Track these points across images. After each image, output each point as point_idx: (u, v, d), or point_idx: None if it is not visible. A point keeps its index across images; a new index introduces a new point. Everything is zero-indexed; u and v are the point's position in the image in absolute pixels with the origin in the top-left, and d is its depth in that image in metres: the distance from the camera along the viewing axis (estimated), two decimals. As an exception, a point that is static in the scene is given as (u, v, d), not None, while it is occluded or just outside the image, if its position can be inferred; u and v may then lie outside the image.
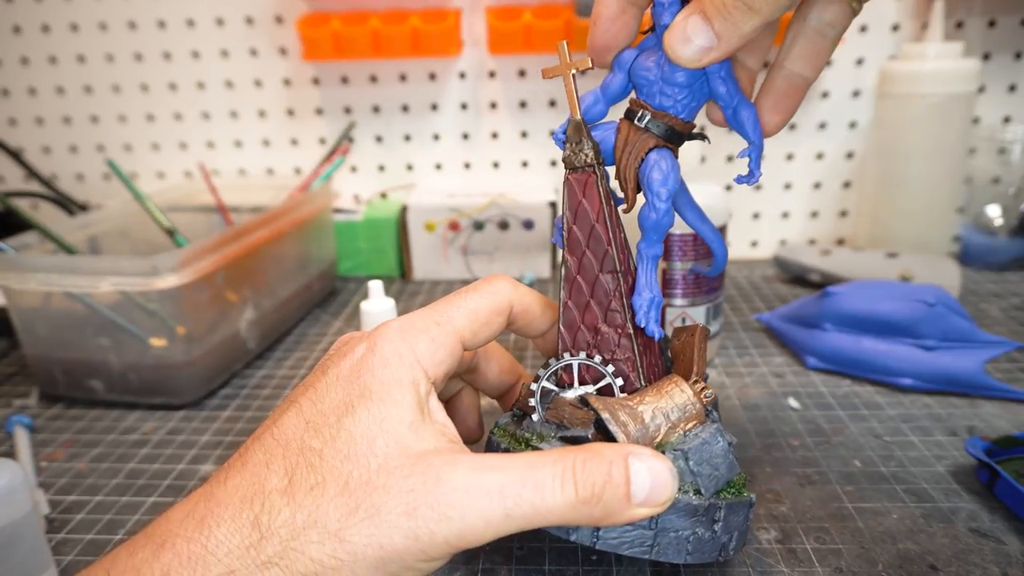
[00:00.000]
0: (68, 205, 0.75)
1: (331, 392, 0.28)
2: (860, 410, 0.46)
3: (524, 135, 0.76)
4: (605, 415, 0.29)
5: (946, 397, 0.47)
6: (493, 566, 0.34)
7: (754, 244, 0.78)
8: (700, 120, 0.32)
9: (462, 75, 0.74)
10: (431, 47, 0.69)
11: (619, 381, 0.32)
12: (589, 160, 0.31)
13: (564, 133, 0.32)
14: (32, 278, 0.48)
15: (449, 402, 0.38)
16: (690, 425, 0.30)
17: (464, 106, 0.76)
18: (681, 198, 0.35)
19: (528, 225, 0.70)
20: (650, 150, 0.31)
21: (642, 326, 0.32)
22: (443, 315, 0.31)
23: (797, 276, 0.68)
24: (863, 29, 0.70)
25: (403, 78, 0.75)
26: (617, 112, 0.32)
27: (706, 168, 0.72)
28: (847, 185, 0.75)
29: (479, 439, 0.38)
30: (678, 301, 0.50)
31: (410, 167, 0.79)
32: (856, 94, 0.72)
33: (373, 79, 0.75)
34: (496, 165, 0.78)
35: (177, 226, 0.59)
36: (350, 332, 0.33)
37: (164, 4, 0.74)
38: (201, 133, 0.79)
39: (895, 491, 0.38)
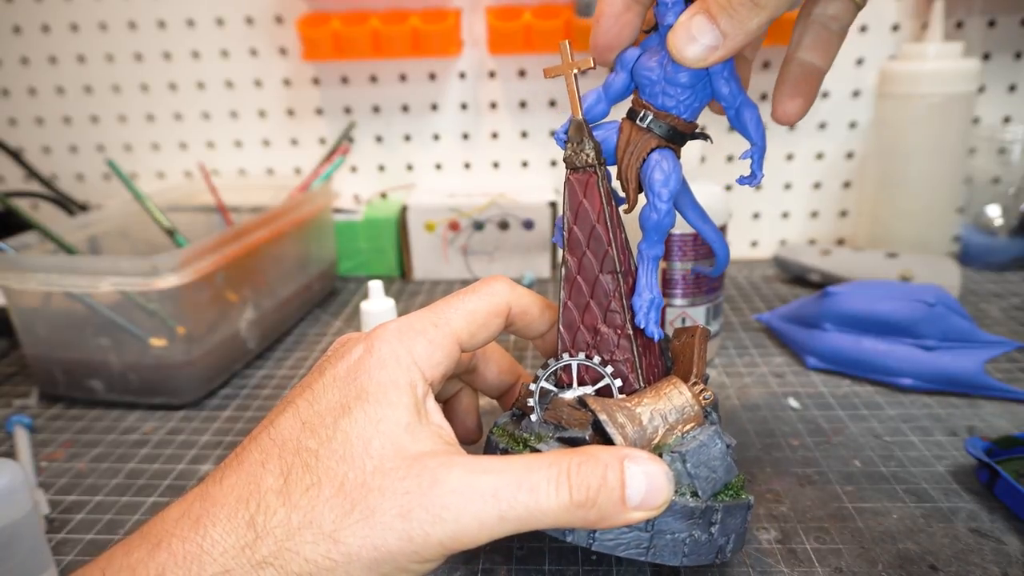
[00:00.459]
0: (68, 205, 0.75)
1: (328, 393, 0.28)
2: (860, 410, 0.46)
3: (524, 135, 0.76)
4: (603, 417, 0.29)
5: (946, 397, 0.47)
6: (493, 566, 0.34)
7: (754, 244, 0.78)
8: (702, 119, 0.32)
9: (462, 75, 0.74)
10: (431, 47, 0.69)
11: (618, 382, 0.32)
12: (590, 160, 0.31)
13: (565, 133, 0.32)
14: (32, 278, 0.48)
15: (447, 403, 0.38)
16: (688, 427, 0.30)
17: (464, 106, 0.76)
18: (683, 198, 0.34)
19: (528, 225, 0.70)
20: (652, 150, 0.31)
21: (642, 327, 0.32)
22: (441, 317, 0.31)
23: (797, 276, 0.68)
24: (863, 29, 0.70)
25: (403, 78, 0.75)
26: (619, 111, 0.32)
27: (706, 168, 0.72)
28: (847, 185, 0.75)
29: (477, 440, 0.38)
30: (678, 301, 0.50)
31: (410, 167, 0.79)
32: (856, 94, 0.72)
33: (373, 79, 0.75)
34: (496, 165, 0.78)
35: (177, 226, 0.59)
36: (349, 332, 0.33)
37: (164, 4, 0.74)
38: (201, 133, 0.79)
39: (895, 491, 0.38)
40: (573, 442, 0.30)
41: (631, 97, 0.32)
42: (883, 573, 0.32)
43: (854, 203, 0.75)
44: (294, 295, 0.63)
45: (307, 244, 0.66)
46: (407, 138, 0.77)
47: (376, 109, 0.76)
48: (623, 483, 0.25)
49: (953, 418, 0.45)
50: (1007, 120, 0.72)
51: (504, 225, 0.71)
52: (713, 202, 0.48)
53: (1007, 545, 0.34)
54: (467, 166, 0.78)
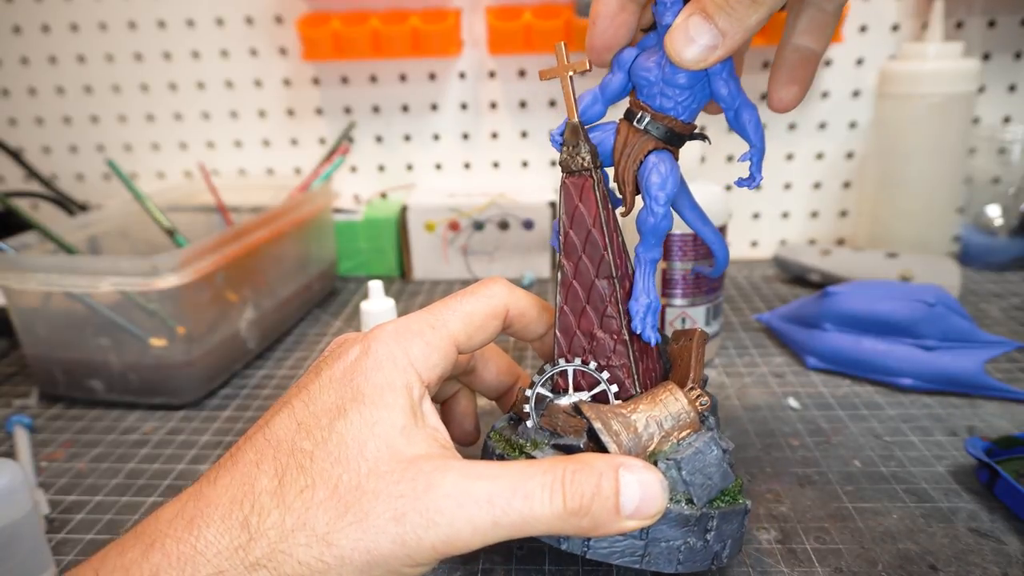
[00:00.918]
0: (68, 205, 0.75)
1: (324, 394, 0.28)
2: (860, 410, 0.46)
3: (524, 135, 0.76)
4: (597, 424, 0.29)
5: (946, 397, 0.47)
6: (493, 566, 0.34)
7: (754, 244, 0.78)
8: (704, 119, 0.32)
9: (462, 75, 0.74)
10: (431, 47, 0.69)
11: (614, 388, 0.32)
12: (586, 164, 0.31)
13: (561, 135, 0.31)
14: (32, 278, 0.48)
15: (446, 404, 0.38)
16: (684, 434, 0.30)
17: (464, 106, 0.76)
18: (681, 199, 0.34)
19: (528, 225, 0.70)
20: (649, 152, 0.30)
21: (638, 332, 0.31)
22: (438, 319, 0.31)
23: (797, 276, 0.68)
24: (863, 29, 0.70)
25: (403, 78, 0.75)
26: (617, 111, 0.32)
27: (706, 168, 0.72)
28: (847, 185, 0.75)
29: (475, 441, 0.38)
30: (678, 301, 0.50)
31: (410, 167, 0.79)
32: (856, 94, 0.72)
33: (373, 79, 0.75)
34: (496, 165, 0.78)
35: (177, 226, 0.59)
36: (348, 333, 0.33)
37: (164, 4, 0.74)
38: (201, 133, 0.79)
39: (895, 491, 0.38)
40: (568, 450, 0.30)
41: (629, 97, 0.32)
42: (883, 573, 0.32)
43: (854, 203, 0.75)
44: (294, 295, 0.63)
45: (307, 244, 0.66)
46: (407, 138, 0.77)
47: (376, 109, 0.76)
48: (617, 492, 0.25)
49: (953, 418, 0.45)
50: (1007, 120, 0.72)
51: (504, 225, 0.71)
52: (713, 202, 0.48)
53: (1007, 545, 0.34)
54: (467, 166, 0.78)
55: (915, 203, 0.67)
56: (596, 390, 0.32)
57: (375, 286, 0.53)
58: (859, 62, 0.71)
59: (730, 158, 0.74)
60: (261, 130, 0.78)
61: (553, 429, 0.31)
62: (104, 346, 0.49)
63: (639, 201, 0.31)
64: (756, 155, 0.31)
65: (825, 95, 0.72)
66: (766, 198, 0.76)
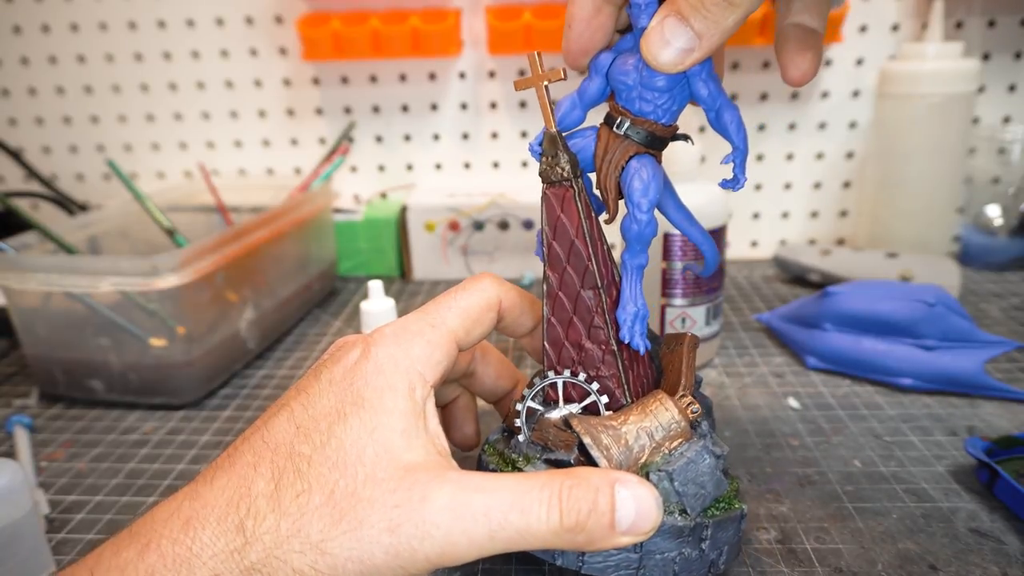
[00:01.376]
0: (68, 205, 0.75)
1: (323, 397, 0.28)
2: (860, 410, 0.46)
3: (524, 135, 0.76)
4: (587, 440, 0.29)
5: (946, 397, 0.47)
6: (493, 566, 0.34)
7: (754, 244, 0.78)
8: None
9: (462, 75, 0.74)
10: (431, 47, 0.69)
11: (604, 399, 0.31)
12: (566, 174, 0.30)
13: (540, 145, 0.31)
14: (32, 278, 0.48)
15: (446, 409, 0.38)
16: (675, 444, 0.30)
17: (464, 106, 0.76)
18: (667, 201, 0.34)
19: (528, 225, 0.70)
20: (631, 157, 0.30)
21: (627, 341, 0.31)
22: (436, 317, 0.31)
23: (797, 276, 0.68)
24: (863, 29, 0.70)
25: (403, 78, 0.75)
26: (597, 115, 0.32)
27: (706, 168, 0.72)
28: (847, 185, 0.75)
29: (476, 446, 0.38)
30: (678, 301, 0.50)
31: (410, 167, 0.79)
32: (856, 94, 0.72)
33: (373, 79, 0.75)
34: (496, 165, 0.78)
35: (177, 226, 0.59)
36: (348, 334, 0.33)
37: (164, 4, 0.74)
38: (201, 133, 0.79)
39: (895, 491, 0.38)
40: (559, 464, 0.30)
41: (608, 101, 0.31)
42: (883, 573, 0.32)
43: (854, 203, 0.75)
44: (294, 295, 0.63)
45: (307, 244, 0.66)
46: (407, 138, 0.77)
47: (376, 109, 0.76)
48: (613, 508, 0.25)
49: (953, 418, 0.45)
50: (1007, 120, 0.72)
51: (504, 225, 0.71)
52: (713, 202, 0.48)
53: (1007, 545, 0.34)
54: (467, 166, 0.78)
55: (915, 203, 0.67)
56: (587, 401, 0.32)
57: (375, 286, 0.53)
58: (859, 62, 0.71)
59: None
60: (261, 130, 0.78)
61: (544, 443, 0.31)
62: (104, 346, 0.49)
63: (623, 207, 0.31)
64: (739, 156, 0.30)
65: (825, 95, 0.72)
66: (766, 198, 0.76)
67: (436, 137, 0.77)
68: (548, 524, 0.24)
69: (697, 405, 0.31)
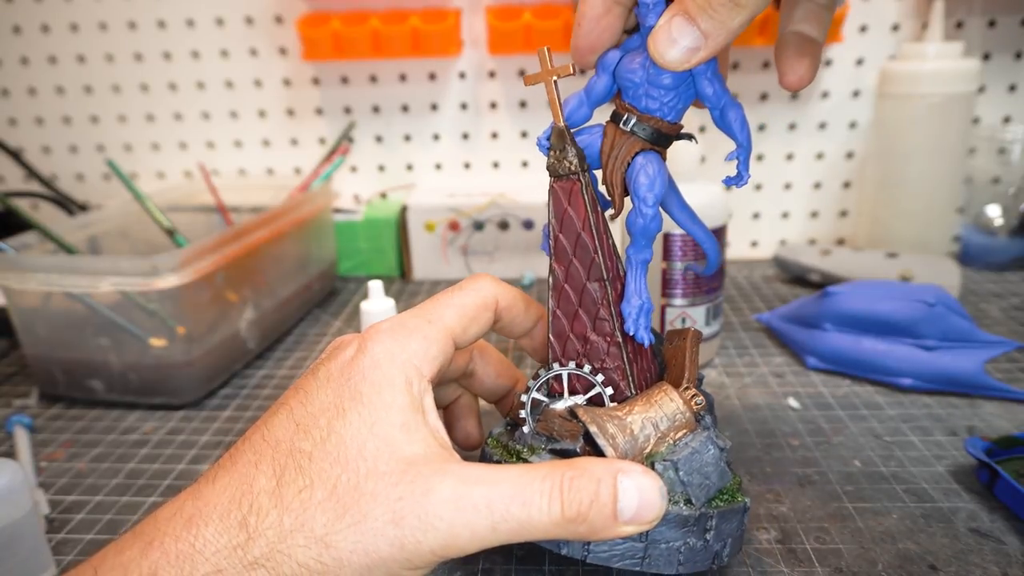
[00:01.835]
0: (68, 205, 0.75)
1: (321, 393, 0.28)
2: (860, 410, 0.46)
3: (524, 135, 0.76)
4: (593, 429, 0.29)
5: (946, 397, 0.47)
6: (493, 566, 0.34)
7: (754, 244, 0.78)
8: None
9: (462, 75, 0.74)
10: (431, 47, 0.69)
11: (609, 390, 0.32)
12: (573, 168, 0.31)
13: (548, 140, 0.31)
14: (32, 278, 0.48)
15: (448, 409, 0.38)
16: (680, 434, 0.30)
17: (464, 106, 0.76)
18: (671, 199, 0.34)
19: (528, 225, 0.70)
20: (636, 154, 0.30)
21: (631, 334, 0.31)
22: (432, 313, 0.31)
23: (797, 276, 0.68)
24: (863, 29, 0.70)
25: (403, 78, 0.75)
26: (603, 113, 0.32)
27: (706, 168, 0.72)
28: (847, 185, 0.75)
29: (479, 445, 0.38)
30: (678, 301, 0.50)
31: (410, 167, 0.79)
32: (856, 94, 0.72)
33: (373, 79, 0.75)
34: (496, 165, 0.78)
35: (177, 226, 0.59)
36: (349, 332, 0.33)
37: (164, 4, 0.74)
38: (201, 133, 0.79)
39: (895, 491, 0.38)
40: (565, 454, 0.30)
41: (614, 99, 0.32)
42: (883, 573, 0.32)
43: (854, 203, 0.75)
44: (294, 295, 0.63)
45: (307, 244, 0.66)
46: (407, 138, 0.77)
47: (376, 109, 0.76)
48: (615, 499, 0.25)
49: (953, 418, 0.45)
50: (1007, 120, 0.72)
51: (504, 225, 0.71)
52: (713, 202, 0.48)
53: (1007, 545, 0.34)
54: (467, 166, 0.78)
55: (915, 203, 0.67)
56: (591, 393, 0.32)
57: (375, 286, 0.53)
58: (859, 62, 0.71)
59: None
60: (261, 130, 0.78)
61: (549, 434, 0.31)
62: (104, 346, 0.49)
63: (628, 203, 0.31)
64: (743, 153, 0.31)
65: (825, 95, 0.72)
66: (766, 198, 0.76)
67: (436, 137, 0.77)
68: (550, 515, 0.25)
69: (701, 397, 0.31)
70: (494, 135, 0.76)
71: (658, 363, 0.35)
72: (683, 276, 0.49)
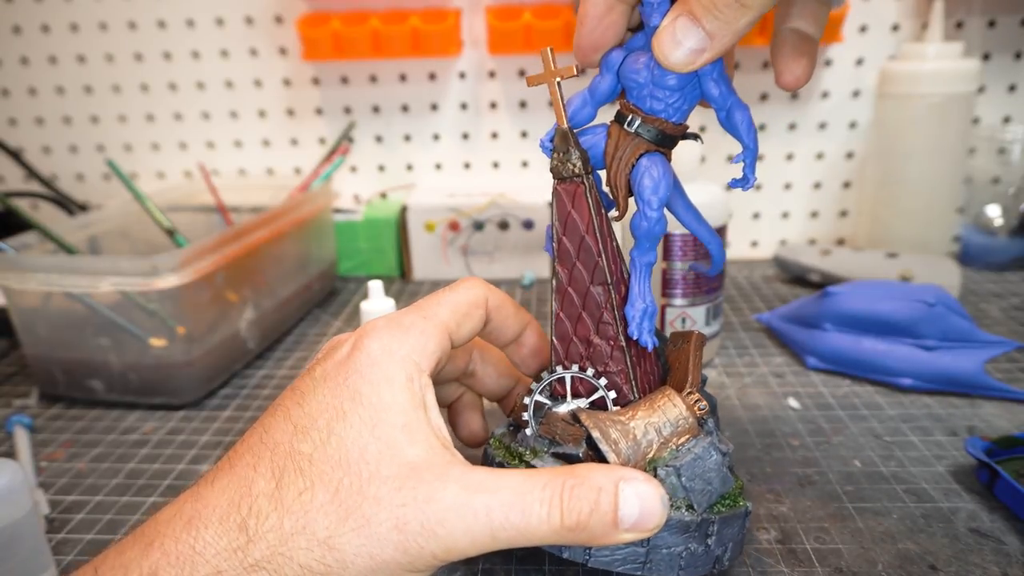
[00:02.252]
0: (68, 205, 0.75)
1: (317, 393, 0.28)
2: (860, 410, 0.46)
3: (524, 135, 0.76)
4: (596, 434, 0.29)
5: (946, 397, 0.47)
6: (493, 566, 0.34)
7: (754, 244, 0.78)
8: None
9: (462, 75, 0.74)
10: (431, 47, 0.69)
11: (612, 394, 0.31)
12: (577, 170, 0.30)
13: (551, 141, 0.31)
14: (32, 278, 0.48)
15: (451, 407, 0.38)
16: (683, 439, 0.30)
17: (464, 106, 0.76)
18: (676, 200, 0.34)
19: (528, 225, 0.70)
20: (641, 155, 0.30)
21: (635, 337, 0.31)
22: (428, 310, 0.31)
23: (797, 276, 0.68)
24: (863, 29, 0.70)
25: (403, 78, 0.75)
26: (607, 113, 0.32)
27: (706, 168, 0.72)
28: (847, 185, 0.75)
29: (484, 442, 0.38)
30: (678, 301, 0.50)
31: (410, 167, 0.79)
32: (856, 94, 0.72)
33: (373, 79, 0.75)
34: (496, 165, 0.78)
35: (177, 226, 0.59)
36: (342, 334, 0.33)
37: (164, 4, 0.74)
38: (201, 133, 0.79)
39: (895, 491, 0.38)
40: (567, 459, 0.30)
41: (619, 99, 0.31)
42: (883, 573, 0.32)
43: (854, 203, 0.75)
44: (294, 295, 0.63)
45: (307, 244, 0.66)
46: (407, 138, 0.77)
47: (376, 109, 0.76)
48: (616, 507, 0.25)
49: (953, 418, 0.45)
50: (1007, 120, 0.72)
51: (504, 225, 0.71)
52: (713, 202, 0.48)
53: (1007, 545, 0.34)
54: (467, 166, 0.78)
55: (915, 203, 0.67)
56: (594, 396, 0.32)
57: (375, 286, 0.53)
58: (859, 62, 0.71)
59: (730, 158, 0.74)
60: (261, 130, 0.78)
61: (552, 437, 0.31)
62: (104, 346, 0.49)
63: (632, 205, 0.31)
64: (749, 156, 0.30)
65: (825, 95, 0.72)
66: (766, 198, 0.76)
67: (436, 137, 0.77)
68: (549, 524, 0.25)
69: (704, 402, 0.31)
70: (494, 135, 0.76)
71: (661, 366, 0.35)
72: (683, 276, 0.49)
